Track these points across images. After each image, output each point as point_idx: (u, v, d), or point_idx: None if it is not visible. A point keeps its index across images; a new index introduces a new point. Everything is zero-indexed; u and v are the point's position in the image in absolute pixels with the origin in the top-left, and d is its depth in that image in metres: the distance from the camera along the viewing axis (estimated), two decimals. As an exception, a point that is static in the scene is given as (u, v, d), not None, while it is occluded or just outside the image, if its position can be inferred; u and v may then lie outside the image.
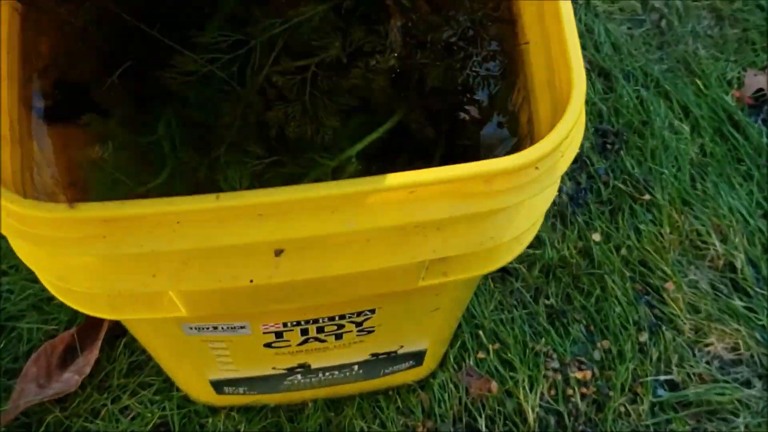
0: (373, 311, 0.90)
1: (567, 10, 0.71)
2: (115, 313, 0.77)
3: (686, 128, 1.58)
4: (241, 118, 0.77)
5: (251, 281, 0.70)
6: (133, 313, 0.78)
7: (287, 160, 0.75)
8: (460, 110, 0.80)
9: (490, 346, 1.32)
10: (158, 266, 0.69)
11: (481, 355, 1.32)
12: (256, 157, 0.75)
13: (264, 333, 0.92)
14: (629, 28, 1.71)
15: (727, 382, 1.34)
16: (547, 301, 1.39)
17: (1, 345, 1.34)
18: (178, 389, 1.30)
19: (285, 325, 0.90)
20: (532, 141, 0.77)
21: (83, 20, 0.80)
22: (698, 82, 1.64)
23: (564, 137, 0.65)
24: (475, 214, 0.67)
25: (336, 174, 0.75)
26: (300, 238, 0.65)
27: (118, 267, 0.69)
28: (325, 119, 0.76)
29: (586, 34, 1.69)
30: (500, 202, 0.66)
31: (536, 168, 0.65)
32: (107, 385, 1.32)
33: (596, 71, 1.65)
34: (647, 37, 1.70)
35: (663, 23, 1.72)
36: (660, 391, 1.33)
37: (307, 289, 0.75)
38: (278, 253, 0.70)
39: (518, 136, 0.79)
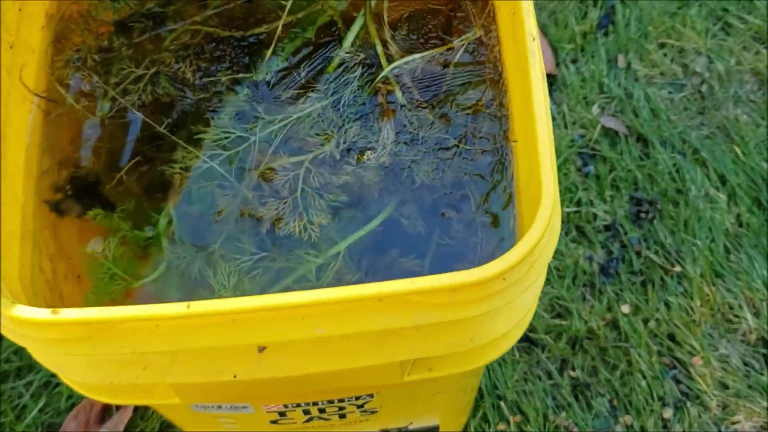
0: (371, 395, 0.92)
1: (540, 106, 0.72)
2: (115, 398, 0.81)
3: (722, 197, 1.56)
4: (237, 213, 0.80)
5: (234, 376, 0.73)
6: (131, 399, 0.81)
7: (277, 256, 0.78)
8: (449, 206, 0.82)
9: (511, 418, 1.33)
10: (147, 361, 0.72)
11: (501, 426, 1.32)
12: (249, 253, 0.78)
13: (267, 412, 0.95)
14: (669, 92, 1.70)
15: (755, 462, 1.31)
16: (572, 373, 1.38)
17: (44, 400, 1.40)
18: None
19: (286, 406, 0.92)
20: (514, 240, 0.78)
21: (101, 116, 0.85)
22: (737, 149, 1.62)
23: (532, 247, 0.66)
24: (445, 321, 0.68)
25: (321, 270, 0.78)
26: (275, 342, 0.68)
27: (108, 361, 0.72)
28: (314, 216, 0.79)
29: (625, 98, 1.68)
30: (467, 312, 0.67)
31: (503, 279, 0.66)
32: (138, 441, 1.37)
33: (634, 137, 1.64)
34: (687, 102, 1.69)
35: (704, 88, 1.70)
36: (684, 470, 1.31)
37: (291, 382, 0.78)
38: (261, 349, 0.73)
39: (504, 234, 0.81)
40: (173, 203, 0.81)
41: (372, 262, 0.80)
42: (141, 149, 0.84)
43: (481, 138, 0.83)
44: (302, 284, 0.77)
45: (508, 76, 0.84)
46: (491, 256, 0.78)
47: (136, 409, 1.38)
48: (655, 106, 1.67)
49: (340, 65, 0.87)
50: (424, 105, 0.85)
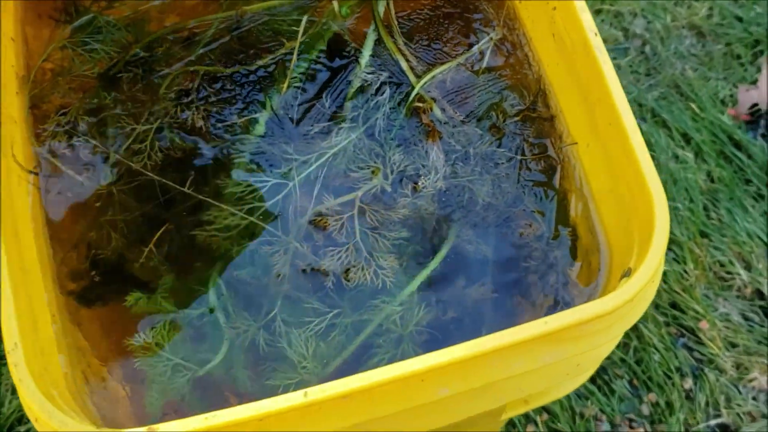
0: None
1: (626, 112, 0.67)
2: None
3: (690, 156, 1.55)
4: (292, 270, 0.72)
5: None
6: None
7: (348, 310, 0.71)
8: (516, 225, 0.76)
9: (538, 418, 1.28)
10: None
11: (530, 428, 1.27)
12: (316, 313, 0.70)
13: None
14: (614, 58, 1.68)
15: (776, 415, 1.32)
16: (583, 358, 1.35)
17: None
18: None
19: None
20: (598, 251, 0.73)
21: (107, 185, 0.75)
22: (693, 106, 1.62)
23: (658, 265, 0.61)
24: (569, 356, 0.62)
25: (402, 317, 0.70)
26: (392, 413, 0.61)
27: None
28: (380, 260, 0.71)
29: (572, 71, 1.66)
30: (592, 343, 0.62)
31: (631, 302, 0.61)
32: None
33: (589, 108, 1.62)
34: (634, 65, 1.68)
35: (647, 49, 1.70)
36: (713, 436, 1.30)
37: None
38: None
39: (579, 247, 0.75)
40: (218, 271, 0.72)
41: (442, 296, 0.73)
42: (163, 215, 0.74)
43: (536, 145, 0.77)
44: (385, 336, 0.69)
45: (549, 74, 0.79)
46: (567, 270, 0.73)
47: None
48: (605, 75, 1.65)
49: (363, 88, 0.79)
50: (467, 118, 0.78)
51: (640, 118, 1.59)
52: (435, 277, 0.74)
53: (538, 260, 0.74)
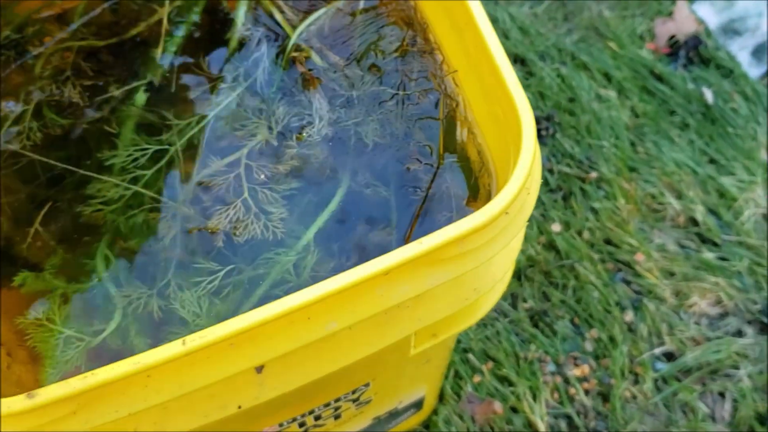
0: (367, 385, 0.85)
1: (490, 35, 0.67)
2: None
3: (612, 94, 1.56)
4: (182, 234, 0.71)
5: (239, 407, 0.65)
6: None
7: (243, 266, 0.70)
8: (408, 160, 0.76)
9: (484, 367, 1.29)
10: (137, 421, 0.63)
11: (477, 378, 1.28)
12: (210, 273, 0.69)
13: (261, 435, 0.86)
14: (531, 8, 1.69)
15: (719, 337, 1.33)
16: (525, 305, 1.35)
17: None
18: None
19: (281, 424, 0.84)
20: (489, 174, 0.73)
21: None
22: (612, 45, 1.62)
23: (527, 174, 0.61)
24: (453, 278, 0.62)
25: (297, 267, 0.70)
26: (280, 355, 0.60)
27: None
28: (270, 212, 0.71)
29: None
30: (475, 261, 0.61)
31: (507, 213, 0.61)
32: None
33: (511, 59, 1.62)
34: (551, 12, 1.68)
35: (561, -5, 1.70)
36: (659, 365, 1.31)
37: (299, 394, 0.70)
38: (260, 369, 0.65)
39: (473, 171, 0.75)
40: (106, 243, 0.71)
41: (343, 244, 0.73)
42: (48, 194, 0.73)
43: (418, 79, 0.77)
44: (282, 287, 0.69)
45: (424, 7, 0.78)
46: (464, 195, 0.73)
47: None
48: (522, 24, 1.65)
49: (240, 46, 0.78)
50: (347, 62, 0.77)
51: (560, 62, 1.59)
52: (334, 225, 0.73)
53: (432, 191, 0.74)
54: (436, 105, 0.76)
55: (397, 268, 0.59)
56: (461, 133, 0.75)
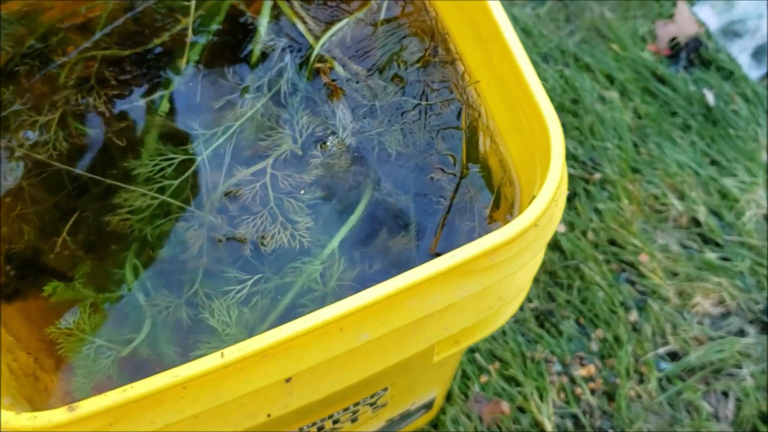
0: (385, 389, 0.87)
1: (516, 47, 0.68)
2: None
3: (615, 95, 1.58)
4: (208, 243, 0.72)
5: (269, 416, 0.66)
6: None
7: (270, 275, 0.71)
8: (430, 170, 0.77)
9: (491, 367, 1.30)
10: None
11: (484, 378, 1.29)
12: (237, 282, 0.70)
13: (280, 440, 0.87)
14: (533, 9, 1.70)
15: (722, 337, 1.35)
16: (531, 305, 1.37)
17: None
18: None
19: (301, 429, 0.85)
20: (512, 183, 0.74)
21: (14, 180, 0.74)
22: (614, 46, 1.64)
23: (557, 187, 0.62)
24: (481, 289, 0.63)
25: (323, 276, 0.71)
26: (311, 366, 0.61)
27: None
28: (297, 221, 0.72)
29: (492, 25, 1.67)
30: (503, 272, 0.62)
31: (536, 226, 0.62)
32: None
33: (513, 60, 1.63)
34: (553, 13, 1.69)
35: (563, -4, 1.72)
36: (663, 365, 1.32)
37: (323, 400, 0.71)
38: (288, 380, 0.66)
39: (495, 181, 0.76)
40: (134, 252, 0.71)
41: (366, 252, 0.74)
42: (74, 204, 0.73)
43: (439, 89, 0.77)
44: (309, 296, 0.70)
45: (446, 18, 0.79)
46: (487, 204, 0.74)
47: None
48: (525, 26, 1.66)
49: (264, 56, 0.79)
50: (370, 72, 0.78)
51: (563, 63, 1.60)
52: (357, 233, 0.74)
53: (455, 201, 0.75)
54: (458, 115, 0.77)
55: (429, 280, 0.60)
56: (484, 143, 0.76)
